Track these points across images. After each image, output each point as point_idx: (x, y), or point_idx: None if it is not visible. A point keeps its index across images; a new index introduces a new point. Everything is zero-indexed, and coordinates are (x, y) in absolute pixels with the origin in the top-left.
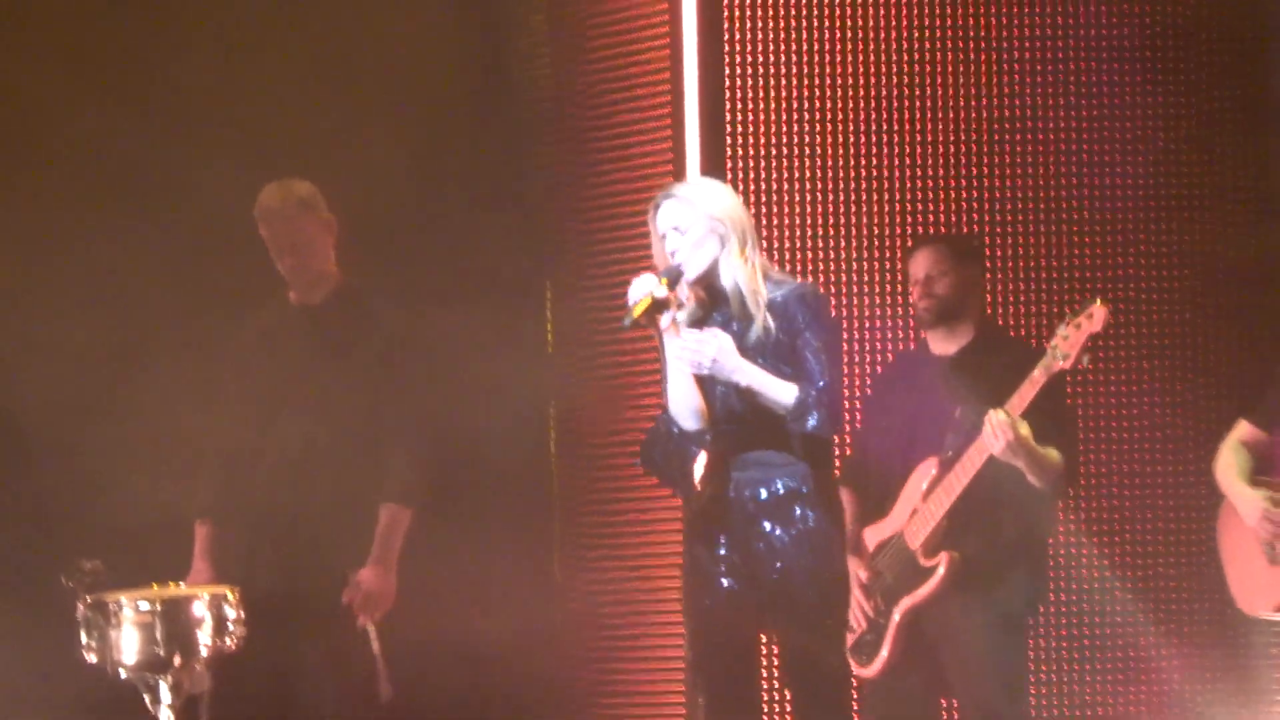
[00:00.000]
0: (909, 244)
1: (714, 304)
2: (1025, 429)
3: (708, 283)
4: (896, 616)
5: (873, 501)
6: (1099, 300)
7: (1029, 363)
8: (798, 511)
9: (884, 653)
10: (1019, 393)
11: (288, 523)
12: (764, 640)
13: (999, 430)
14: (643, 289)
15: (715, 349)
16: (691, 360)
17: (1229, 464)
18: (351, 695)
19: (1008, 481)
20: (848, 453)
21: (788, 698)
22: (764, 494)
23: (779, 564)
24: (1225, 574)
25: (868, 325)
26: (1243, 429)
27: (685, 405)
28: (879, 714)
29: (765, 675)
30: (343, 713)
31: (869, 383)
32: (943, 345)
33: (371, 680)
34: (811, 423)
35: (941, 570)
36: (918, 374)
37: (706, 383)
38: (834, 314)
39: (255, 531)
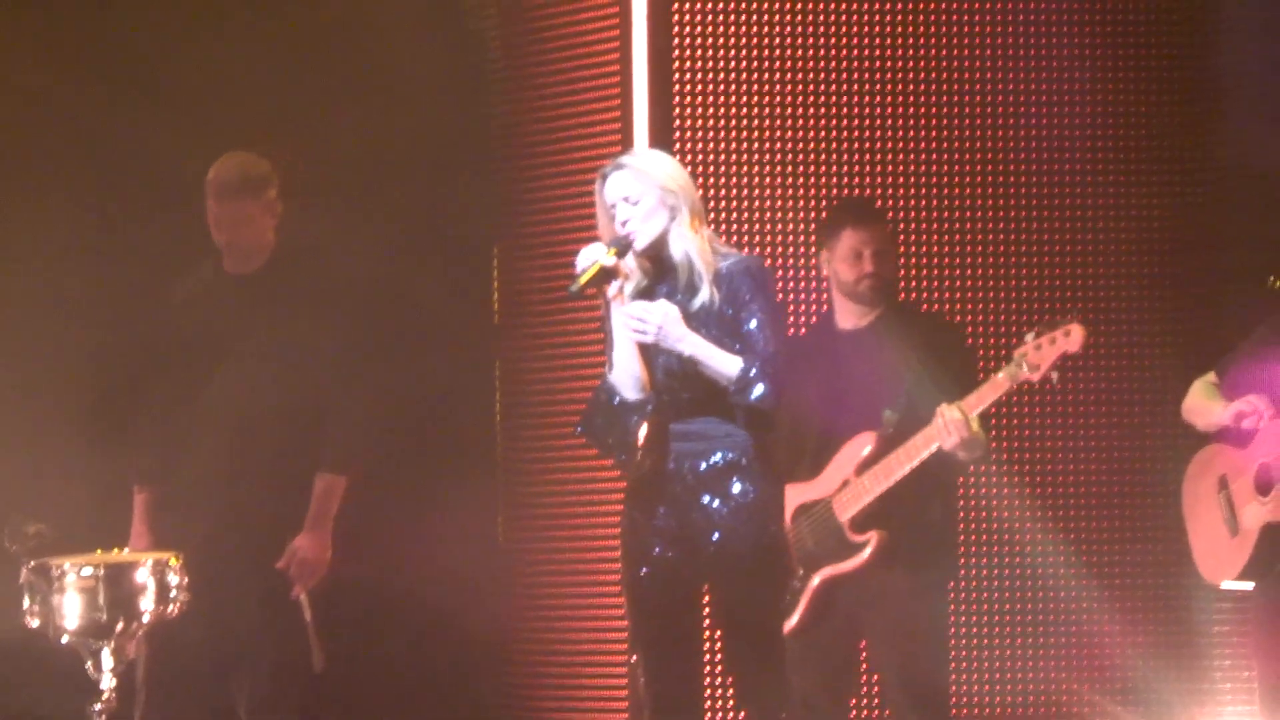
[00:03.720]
0: (826, 208)
1: (659, 274)
2: (977, 425)
3: (654, 253)
4: (815, 581)
5: (784, 469)
6: (1077, 319)
7: (940, 335)
8: (736, 484)
9: (796, 615)
10: (978, 393)
11: (224, 489)
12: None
13: (952, 426)
14: (590, 257)
15: (661, 317)
16: (637, 329)
17: (1199, 393)
18: (285, 663)
19: (938, 465)
20: None
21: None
22: (703, 465)
23: (716, 534)
24: (1191, 545)
25: (812, 299)
26: (1210, 378)
27: (627, 374)
28: (795, 661)
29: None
30: (277, 679)
31: None
32: (853, 319)
33: (305, 649)
34: (755, 394)
35: (870, 548)
36: (827, 346)
37: (649, 352)
38: (778, 287)
39: (192, 498)
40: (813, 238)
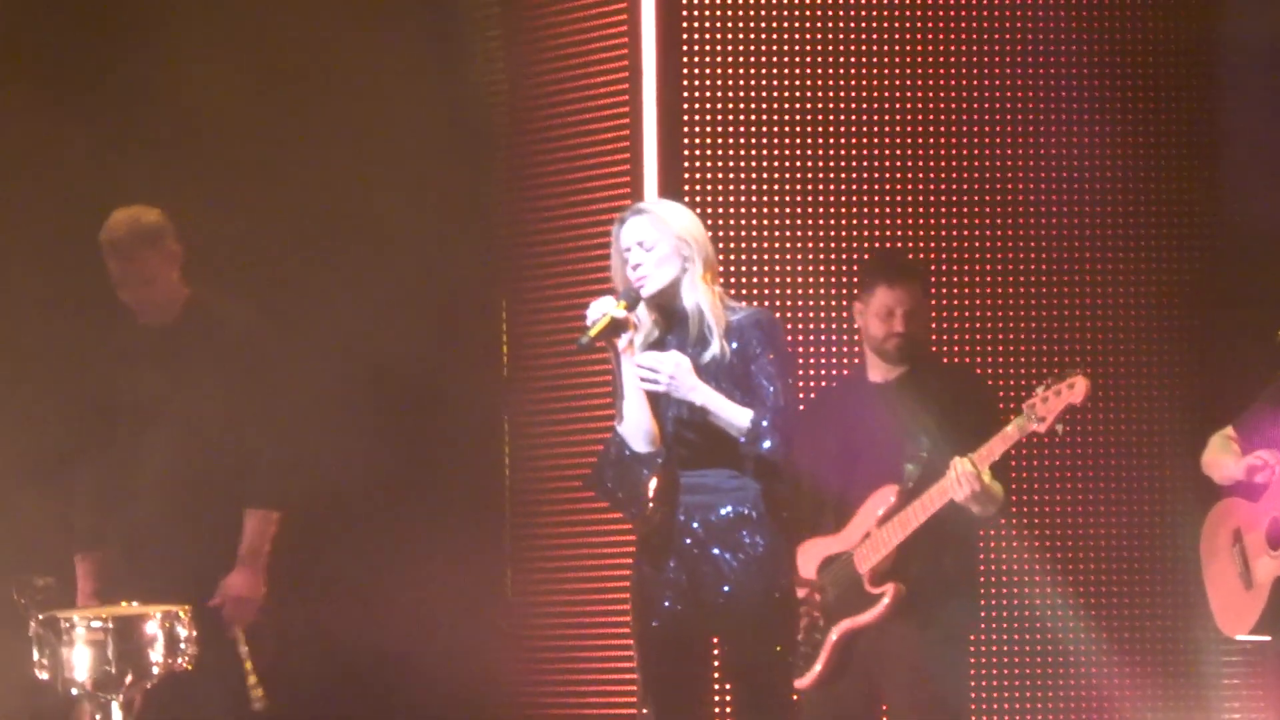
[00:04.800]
0: (865, 259)
1: (670, 326)
2: (989, 477)
3: (663, 302)
4: (834, 636)
5: (806, 523)
6: (1081, 373)
7: (964, 389)
8: (746, 537)
9: (818, 667)
10: (989, 446)
11: (163, 539)
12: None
13: (964, 479)
14: (601, 309)
15: (673, 367)
16: (648, 378)
17: (1216, 447)
18: (225, 703)
19: (953, 518)
20: None
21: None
22: (713, 518)
23: (726, 588)
24: (1208, 597)
25: (821, 349)
26: (1229, 431)
27: (638, 427)
28: (814, 718)
29: (716, 694)
30: (218, 717)
31: (809, 405)
32: (882, 373)
33: (242, 689)
34: (766, 445)
35: (887, 600)
36: (853, 399)
37: (659, 404)
38: (788, 339)
39: (131, 552)
40: (823, 289)
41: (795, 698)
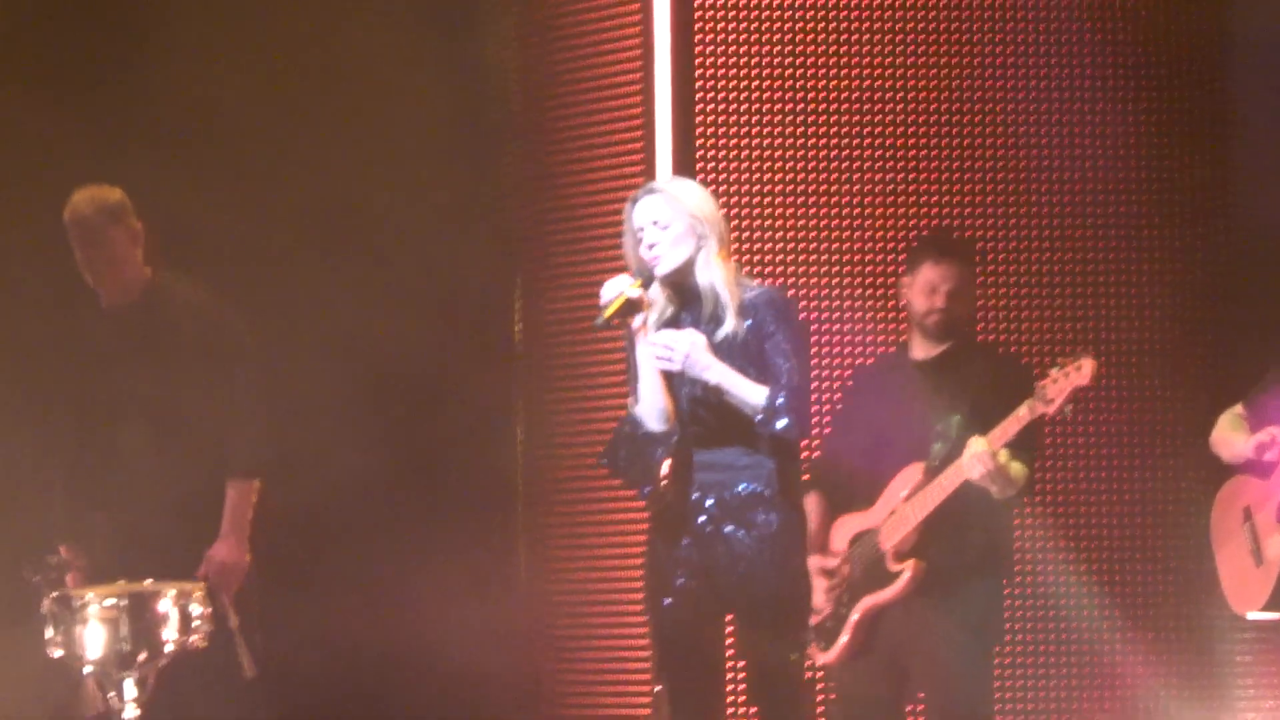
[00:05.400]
0: (920, 238)
1: (683, 305)
2: (1004, 458)
3: (677, 280)
4: (856, 615)
5: (842, 500)
6: (1089, 355)
7: (1005, 372)
8: (760, 515)
9: (843, 641)
10: (1002, 427)
11: (145, 516)
12: (727, 639)
13: (979, 460)
14: (615, 289)
15: (688, 345)
16: (662, 356)
17: (1226, 425)
18: (215, 672)
19: (976, 497)
20: (815, 455)
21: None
22: (727, 495)
23: (740, 565)
24: (1219, 576)
25: (835, 329)
26: (1238, 410)
27: (652, 405)
28: (840, 696)
29: (729, 673)
30: (209, 689)
31: (846, 383)
32: (924, 350)
33: (233, 658)
34: (781, 424)
35: (906, 576)
36: (895, 377)
37: (673, 383)
38: (802, 317)
39: (115, 538)
40: (834, 270)
41: (808, 675)
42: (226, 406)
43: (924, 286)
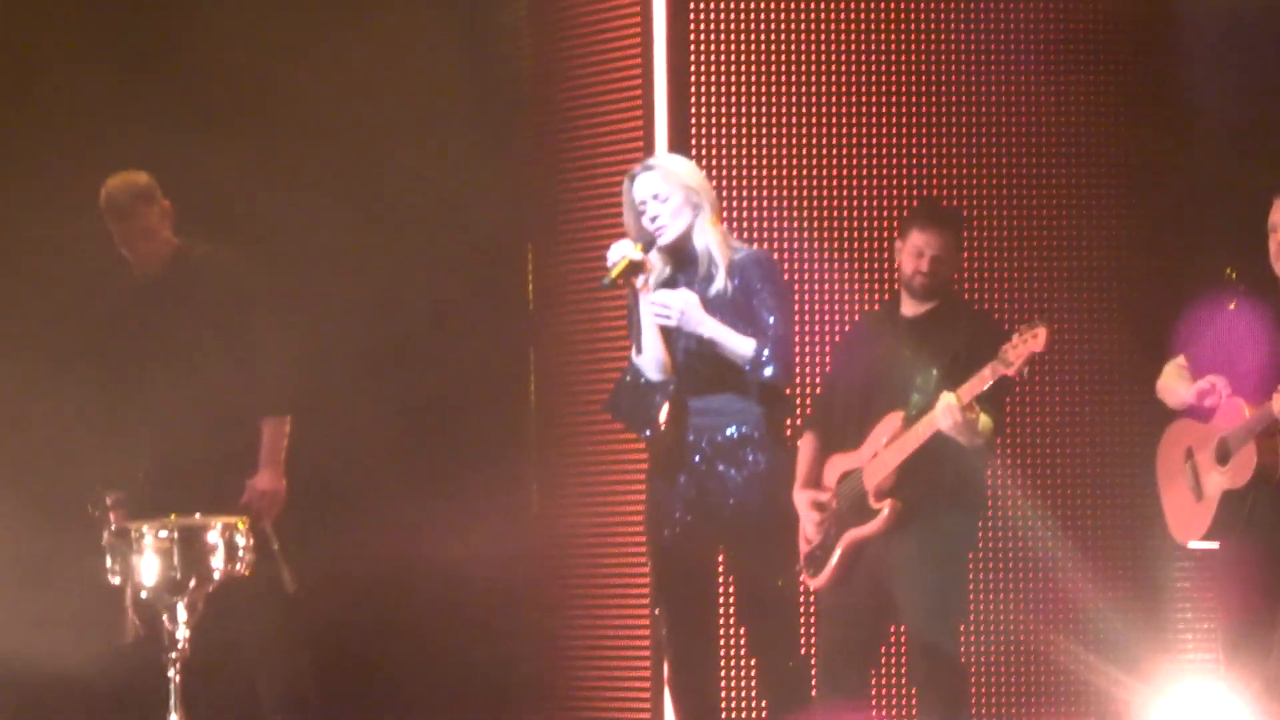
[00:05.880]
0: (912, 206)
1: (680, 266)
2: (971, 413)
3: (678, 246)
4: (840, 547)
5: (835, 440)
6: (1044, 323)
7: (981, 332)
8: (750, 455)
9: (830, 567)
10: (969, 384)
11: (185, 461)
12: (719, 567)
13: (949, 412)
14: (620, 252)
15: (683, 303)
16: (661, 314)
17: (1170, 377)
18: (259, 588)
19: (948, 444)
20: (818, 392)
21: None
22: (719, 438)
23: (732, 500)
24: (1164, 509)
25: (822, 288)
26: (1178, 361)
27: (652, 357)
28: (829, 616)
29: (721, 598)
30: (254, 604)
31: (843, 333)
32: (912, 308)
33: (276, 575)
34: (768, 373)
35: (885, 513)
36: (883, 330)
37: (670, 337)
38: (785, 277)
39: (153, 479)
40: (817, 232)
41: (792, 598)
42: (252, 351)
43: (912, 250)
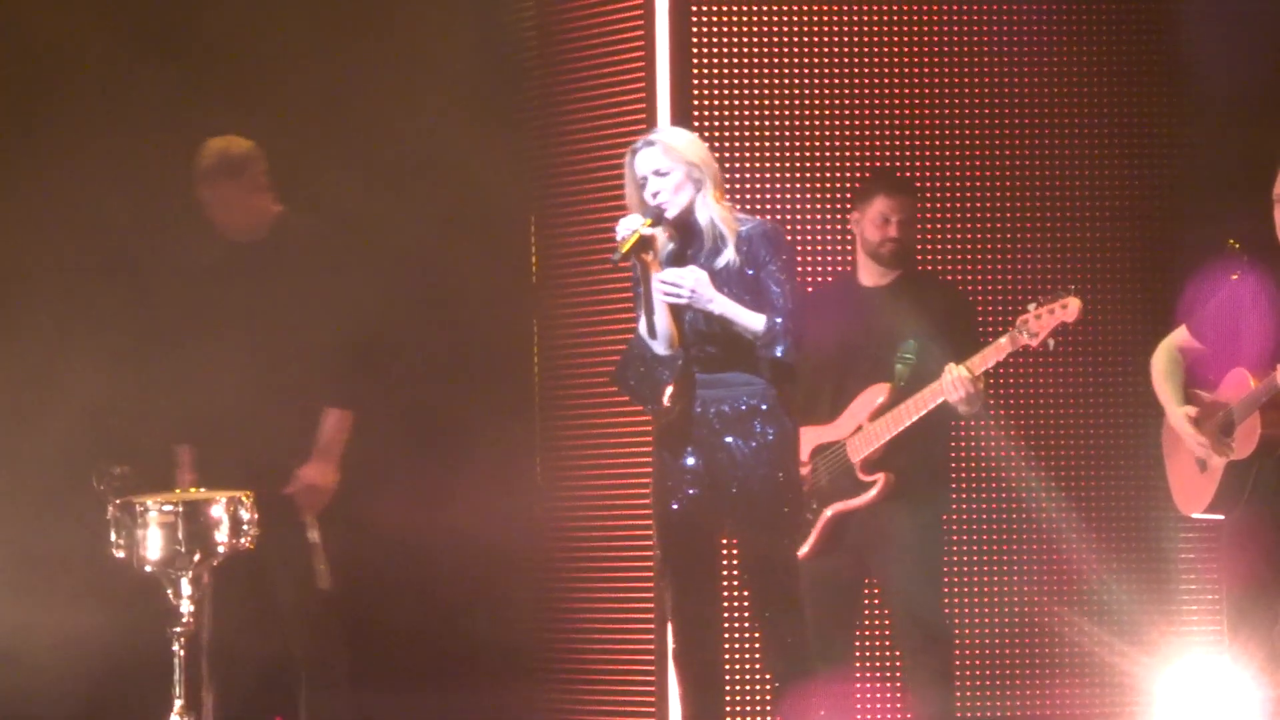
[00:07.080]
0: (868, 175)
1: (686, 240)
2: (982, 384)
3: (683, 220)
4: (827, 514)
5: (803, 411)
6: (1075, 294)
7: (956, 301)
8: (757, 426)
9: (809, 544)
10: (982, 354)
11: (248, 432)
12: (725, 540)
13: (959, 384)
14: (629, 227)
15: (694, 281)
16: (670, 292)
17: (1163, 371)
18: (296, 581)
19: (939, 415)
20: None
21: (745, 593)
22: (727, 409)
23: (740, 473)
24: (1169, 480)
25: (823, 262)
26: (1181, 333)
27: (661, 333)
28: (811, 588)
29: (725, 571)
30: (290, 597)
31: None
32: (874, 278)
33: (311, 569)
34: (779, 349)
35: (878, 487)
36: (849, 299)
37: (678, 312)
38: (792, 249)
39: (220, 443)
40: (819, 205)
41: (798, 570)
42: (330, 336)
43: (876, 217)
